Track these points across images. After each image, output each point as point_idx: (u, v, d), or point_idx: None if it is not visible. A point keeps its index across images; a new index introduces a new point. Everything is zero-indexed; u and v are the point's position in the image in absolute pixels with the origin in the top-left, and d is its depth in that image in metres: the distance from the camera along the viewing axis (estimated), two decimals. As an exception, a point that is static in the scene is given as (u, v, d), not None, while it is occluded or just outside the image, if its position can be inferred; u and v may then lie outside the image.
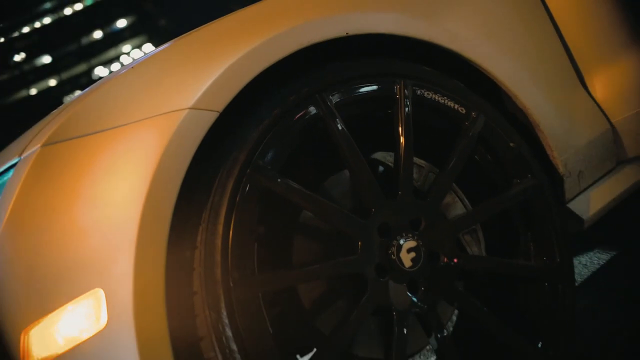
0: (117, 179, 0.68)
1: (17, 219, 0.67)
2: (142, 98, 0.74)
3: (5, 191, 0.70)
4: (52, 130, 0.72)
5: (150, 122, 0.71)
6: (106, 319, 0.61)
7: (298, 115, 0.79)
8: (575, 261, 1.26)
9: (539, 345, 0.83)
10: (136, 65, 0.81)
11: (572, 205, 0.93)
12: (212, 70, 0.73)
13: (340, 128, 0.80)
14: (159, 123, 0.70)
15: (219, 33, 0.81)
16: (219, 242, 0.68)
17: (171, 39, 0.88)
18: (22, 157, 0.72)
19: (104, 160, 0.70)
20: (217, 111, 0.72)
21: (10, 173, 0.72)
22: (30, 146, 0.72)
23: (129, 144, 0.70)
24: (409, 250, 0.80)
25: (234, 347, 0.65)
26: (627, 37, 0.97)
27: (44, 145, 0.71)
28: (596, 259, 1.22)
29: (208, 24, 0.84)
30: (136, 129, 0.71)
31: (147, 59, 0.82)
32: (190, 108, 0.71)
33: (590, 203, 0.94)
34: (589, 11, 1.00)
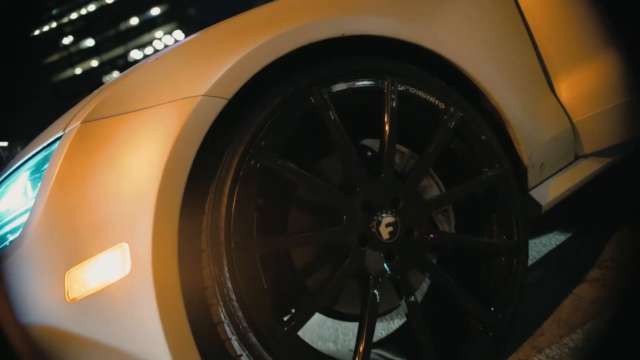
0: (141, 152, 0.72)
1: (61, 184, 0.72)
2: (164, 85, 0.78)
3: (52, 160, 0.75)
4: (90, 110, 0.76)
5: (170, 106, 0.74)
6: (130, 267, 0.66)
7: (296, 104, 0.82)
8: (537, 240, 1.29)
9: (492, 309, 0.87)
10: (161, 56, 0.84)
11: (533, 193, 0.96)
12: (224, 64, 0.76)
13: (332, 117, 0.83)
14: (177, 107, 0.74)
15: (231, 31, 0.84)
16: (223, 210, 0.72)
17: (199, 26, 0.91)
18: (65, 131, 0.76)
19: (131, 137, 0.74)
20: (226, 98, 0.75)
21: (56, 145, 0.76)
22: (72, 122, 0.76)
23: (151, 123, 0.74)
24: (387, 225, 0.83)
25: (233, 296, 0.70)
26: (594, 44, 0.97)
27: (83, 122, 0.75)
28: (554, 239, 1.25)
29: (223, 21, 0.87)
30: (158, 111, 0.75)
31: (170, 51, 0.85)
32: (203, 95, 0.74)
33: (548, 192, 0.96)
34: (561, 20, 0.99)
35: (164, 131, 0.72)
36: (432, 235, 0.88)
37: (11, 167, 0.86)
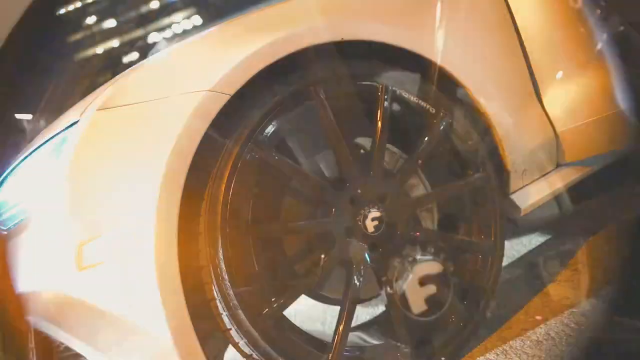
0: (149, 140, 0.77)
1: (77, 165, 0.77)
2: (173, 78, 0.82)
3: (69, 142, 0.80)
4: (105, 98, 0.81)
5: (177, 99, 0.78)
6: (134, 244, 0.71)
7: (294, 103, 0.86)
8: (518, 240, 1.32)
9: (465, 302, 0.91)
10: (171, 51, 0.88)
11: (514, 197, 0.98)
12: (228, 62, 0.80)
13: (327, 116, 0.86)
14: (184, 100, 0.78)
15: (237, 31, 0.87)
16: (221, 197, 0.77)
17: (216, 12, 0.93)
18: (81, 117, 0.81)
19: (141, 125, 0.79)
20: (229, 94, 0.79)
21: (73, 129, 0.80)
22: (88, 109, 0.81)
23: (159, 114, 0.78)
24: (373, 219, 0.86)
25: (226, 276, 0.75)
26: (581, 60, 0.98)
27: (98, 110, 0.79)
28: (535, 240, 1.28)
29: (229, 20, 0.90)
30: (166, 103, 0.79)
31: (180, 47, 0.89)
32: (208, 90, 0.78)
33: (528, 196, 0.98)
34: (553, 38, 1.00)
35: (170, 122, 0.76)
36: (412, 231, 0.91)
37: (33, 146, 0.91)
